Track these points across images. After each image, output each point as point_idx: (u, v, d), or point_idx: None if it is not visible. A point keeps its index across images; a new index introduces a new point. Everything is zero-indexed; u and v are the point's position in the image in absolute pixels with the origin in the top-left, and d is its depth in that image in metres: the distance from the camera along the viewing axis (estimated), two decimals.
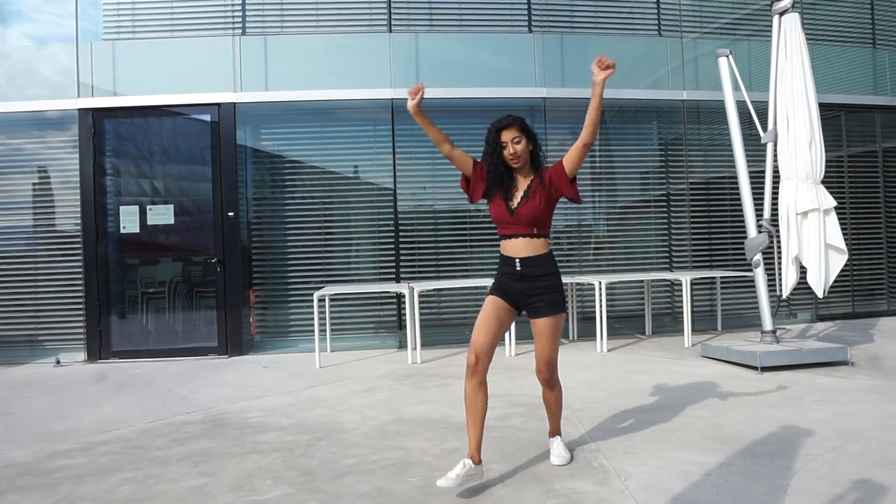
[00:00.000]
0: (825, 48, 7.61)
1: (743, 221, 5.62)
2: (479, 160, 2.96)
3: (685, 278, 6.12)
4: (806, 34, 5.38)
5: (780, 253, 5.36)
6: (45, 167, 6.66)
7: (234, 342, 6.45)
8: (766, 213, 5.49)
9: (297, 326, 6.74)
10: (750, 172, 5.62)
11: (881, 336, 6.44)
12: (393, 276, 6.81)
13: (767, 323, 5.42)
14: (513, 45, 7.04)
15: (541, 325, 2.89)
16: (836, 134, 7.82)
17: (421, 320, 5.90)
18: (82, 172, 6.44)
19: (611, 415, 3.85)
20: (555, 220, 7.25)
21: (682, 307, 6.26)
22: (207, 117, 6.59)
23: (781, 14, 5.38)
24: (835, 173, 7.64)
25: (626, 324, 7.19)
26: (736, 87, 5.65)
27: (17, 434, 3.89)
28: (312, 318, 5.73)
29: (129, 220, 6.51)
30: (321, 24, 6.88)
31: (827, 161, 5.35)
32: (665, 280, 7.05)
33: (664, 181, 7.40)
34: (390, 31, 6.85)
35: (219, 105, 6.55)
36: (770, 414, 3.75)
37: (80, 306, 6.44)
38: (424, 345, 6.12)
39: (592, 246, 7.36)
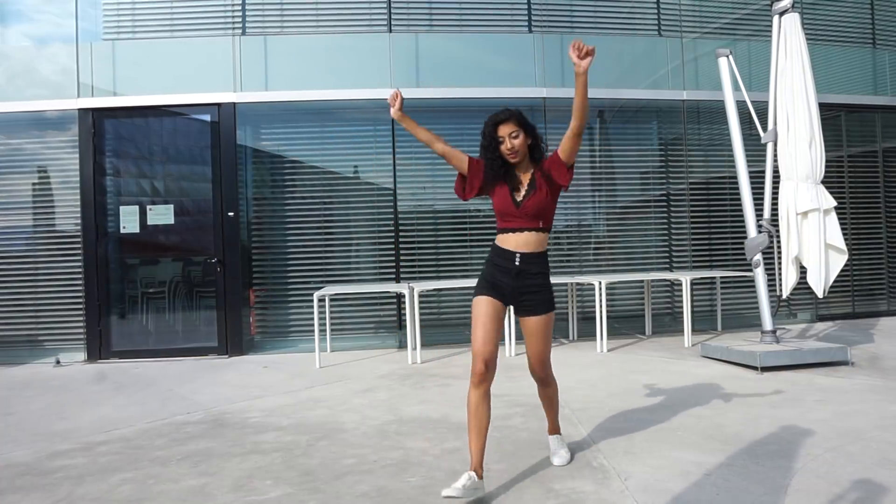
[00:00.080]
0: (825, 48, 7.61)
1: (743, 221, 5.62)
2: (474, 157, 2.90)
3: (685, 278, 6.12)
4: (806, 34, 5.38)
5: (780, 253, 5.36)
6: (45, 167, 6.66)
7: (234, 342, 6.45)
8: (766, 213, 5.49)
9: (297, 326, 6.74)
10: (750, 172, 5.62)
11: (881, 336, 6.44)
12: (393, 276, 6.81)
13: (767, 323, 5.42)
14: (513, 45, 7.04)
15: (533, 324, 2.84)
16: (836, 134, 7.82)
17: (421, 320, 5.90)
18: (82, 172, 6.44)
19: (611, 415, 3.85)
20: (555, 219, 7.29)
21: (682, 307, 6.25)
22: (207, 117, 6.59)
23: (781, 14, 5.38)
24: (835, 173, 7.64)
25: (626, 324, 7.19)
26: (736, 87, 5.65)
27: (17, 434, 3.89)
28: (312, 318, 5.73)
29: (129, 220, 6.51)
30: (321, 24, 6.88)
31: (827, 161, 5.35)
32: (665, 280, 7.05)
33: (664, 181, 7.40)
34: (390, 31, 6.85)
35: (219, 105, 6.55)
36: (770, 414, 3.75)
37: (80, 306, 6.44)
38: (424, 345, 6.12)
39: (592, 246, 7.35)
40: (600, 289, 5.91)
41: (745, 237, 5.59)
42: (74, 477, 3.09)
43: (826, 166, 5.29)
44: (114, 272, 6.54)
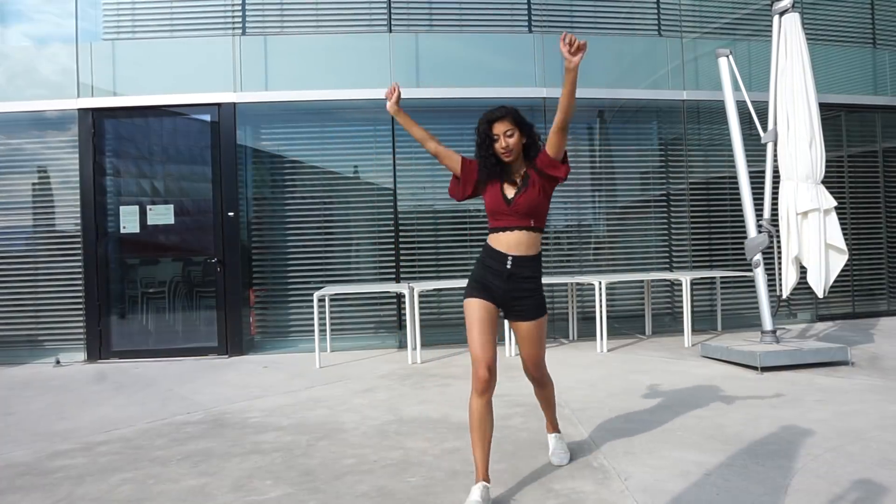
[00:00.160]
0: (825, 48, 7.61)
1: (743, 221, 5.62)
2: (467, 158, 2.85)
3: (685, 278, 6.12)
4: (806, 34, 5.38)
5: (780, 253, 5.36)
6: (45, 167, 6.66)
7: (234, 342, 6.45)
8: (766, 213, 5.49)
9: (297, 326, 6.74)
10: (750, 172, 5.62)
11: (881, 336, 6.44)
12: (393, 276, 6.81)
13: (767, 323, 5.42)
14: (513, 45, 7.04)
15: (526, 329, 2.78)
16: (836, 134, 7.82)
17: (421, 320, 5.90)
18: (82, 172, 6.44)
19: (611, 415, 3.85)
20: (555, 220, 7.32)
21: (682, 307, 6.25)
22: (207, 117, 6.59)
23: (781, 14, 5.38)
24: (835, 173, 7.64)
25: (626, 324, 7.19)
26: (736, 87, 5.65)
27: (17, 434, 3.89)
28: (312, 318, 5.73)
29: (129, 220, 6.51)
30: (321, 24, 6.88)
31: (827, 161, 5.35)
32: (665, 280, 7.05)
33: (664, 181, 7.40)
34: (390, 31, 6.85)
35: (219, 105, 6.55)
36: (770, 414, 3.75)
37: (80, 306, 6.44)
38: (424, 345, 6.12)
39: (592, 246, 7.35)
40: (600, 289, 5.91)
41: (745, 237, 5.59)
42: (74, 477, 3.09)
43: (826, 166, 5.29)
44: (114, 272, 6.54)
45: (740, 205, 5.64)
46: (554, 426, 3.12)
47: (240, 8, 6.74)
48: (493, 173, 2.73)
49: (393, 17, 6.88)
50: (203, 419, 4.08)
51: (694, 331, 6.32)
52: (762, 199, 5.55)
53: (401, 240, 6.85)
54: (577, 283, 6.74)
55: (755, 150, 5.89)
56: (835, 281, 5.24)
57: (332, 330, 6.48)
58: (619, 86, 7.15)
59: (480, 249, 2.83)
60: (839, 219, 5.29)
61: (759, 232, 5.47)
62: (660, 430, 3.52)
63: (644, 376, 4.88)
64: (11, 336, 6.48)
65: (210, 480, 2.99)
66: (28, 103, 6.52)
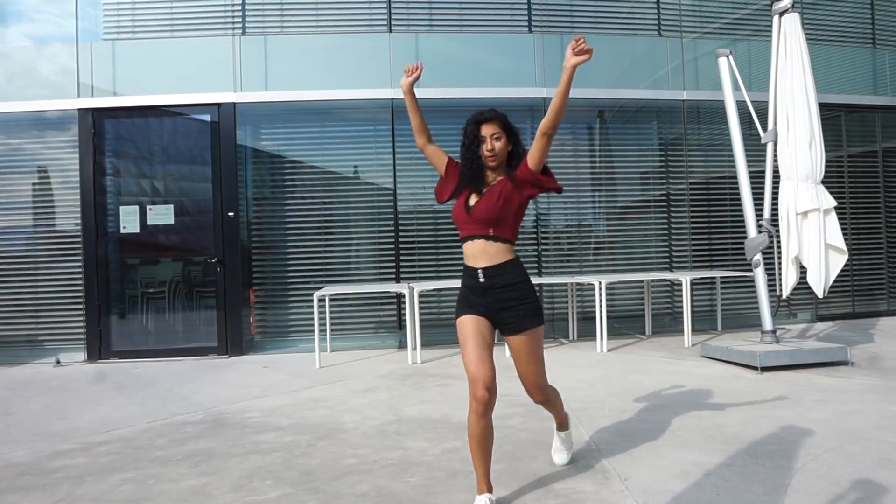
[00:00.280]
0: (825, 48, 7.61)
1: (743, 221, 5.62)
2: (454, 160, 2.77)
3: (685, 278, 6.12)
4: (806, 34, 5.38)
5: (780, 253, 5.36)
6: (45, 167, 6.66)
7: (234, 342, 6.45)
8: (766, 213, 5.49)
9: (297, 326, 6.74)
10: (750, 172, 5.62)
11: (881, 336, 6.44)
12: (393, 276, 6.81)
13: (767, 323, 5.42)
14: (513, 45, 7.04)
15: (516, 343, 2.60)
16: (836, 134, 7.82)
17: (421, 320, 5.90)
18: (82, 172, 6.44)
19: (611, 415, 3.85)
20: (555, 219, 7.31)
21: (682, 307, 6.25)
22: (207, 117, 6.59)
23: (781, 14, 5.38)
24: (835, 173, 7.64)
25: (626, 324, 7.19)
26: (736, 87, 5.65)
27: (17, 434, 3.89)
28: (312, 318, 5.73)
29: (129, 220, 6.51)
30: (321, 24, 6.88)
31: (827, 161, 5.35)
32: (665, 280, 7.05)
33: (664, 181, 7.40)
34: (390, 31, 6.85)
35: (219, 105, 6.55)
36: (770, 414, 3.75)
37: (80, 306, 6.44)
38: (424, 345, 6.12)
39: (592, 246, 7.35)
40: (600, 289, 5.91)
41: (745, 237, 5.59)
42: (74, 477, 3.09)
43: (826, 166, 5.29)
44: (114, 272, 6.54)
45: (740, 205, 5.64)
46: (562, 424, 2.98)
47: (240, 8, 6.74)
48: (473, 177, 2.61)
49: (393, 17, 6.88)
50: (203, 419, 4.08)
51: (694, 331, 6.32)
52: (762, 199, 5.56)
53: (401, 240, 6.85)
54: (577, 283, 6.74)
55: (755, 150, 5.89)
56: (835, 281, 5.24)
57: (332, 330, 6.48)
58: (619, 86, 7.15)
59: None
60: (839, 219, 5.29)
61: (759, 232, 5.48)
62: (660, 430, 3.52)
63: (644, 376, 4.88)
64: (11, 336, 6.48)
65: (210, 480, 2.99)
66: (28, 103, 6.52)
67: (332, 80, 6.67)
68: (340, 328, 6.76)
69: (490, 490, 2.55)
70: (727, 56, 5.71)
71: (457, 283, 6.03)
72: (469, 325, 2.55)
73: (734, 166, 5.70)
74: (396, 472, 3.00)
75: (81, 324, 6.43)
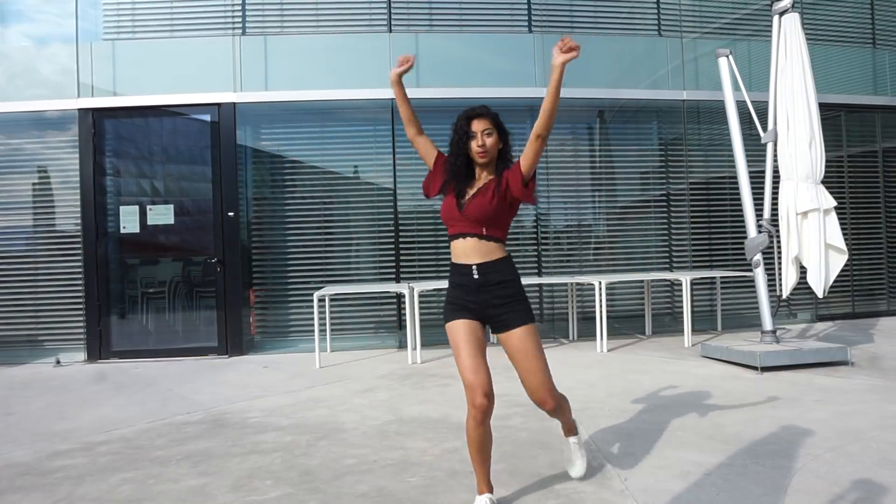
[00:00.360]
0: (825, 48, 7.61)
1: (743, 221, 5.62)
2: (444, 154, 2.70)
3: (685, 278, 6.12)
4: (806, 34, 5.38)
5: (780, 253, 5.36)
6: (45, 167, 6.66)
7: (234, 342, 6.45)
8: (766, 213, 5.49)
9: (297, 326, 6.74)
10: (750, 172, 5.62)
11: (881, 336, 6.44)
12: (393, 276, 6.81)
13: (767, 323, 5.42)
14: (513, 45, 7.04)
15: (516, 339, 2.50)
16: (836, 134, 7.82)
17: (421, 320, 5.90)
18: (82, 172, 6.44)
19: (611, 415, 3.85)
20: (555, 219, 7.30)
21: (682, 307, 6.25)
22: (207, 117, 6.59)
23: (781, 14, 5.38)
24: (835, 173, 7.64)
25: (626, 324, 7.19)
26: (736, 87, 5.65)
27: (17, 434, 3.89)
28: (312, 318, 5.73)
29: (129, 220, 6.51)
30: (321, 24, 6.88)
31: (827, 161, 5.35)
32: (665, 280, 7.05)
33: (664, 181, 7.40)
34: (390, 31, 6.85)
35: (219, 105, 6.55)
36: (770, 414, 3.75)
37: (80, 306, 6.44)
38: (424, 345, 6.11)
39: (592, 246, 7.35)
40: (600, 289, 5.91)
41: (745, 237, 5.59)
42: (74, 477, 3.09)
43: (826, 166, 5.29)
44: (114, 272, 6.54)
45: (740, 205, 5.64)
46: (570, 429, 2.81)
47: (240, 8, 6.74)
48: (460, 173, 2.56)
49: (393, 17, 6.88)
50: (203, 419, 4.08)
51: (694, 331, 6.32)
52: (762, 199, 5.55)
53: (401, 240, 6.85)
54: (577, 283, 6.74)
55: (755, 150, 5.89)
56: (835, 281, 5.24)
57: (332, 330, 6.48)
58: (619, 86, 7.16)
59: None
60: (839, 219, 5.29)
61: (759, 232, 5.48)
62: (660, 430, 3.52)
63: (644, 376, 4.88)
64: (11, 336, 6.48)
65: (210, 480, 2.99)
66: (28, 103, 6.52)
67: (332, 80, 6.67)
68: (340, 328, 6.76)
69: (490, 490, 2.54)
70: (727, 56, 5.71)
71: None
72: (461, 330, 2.49)
73: (734, 166, 5.70)
74: (396, 472, 3.00)
75: (81, 324, 6.43)
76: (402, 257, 6.83)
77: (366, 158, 7.03)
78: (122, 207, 6.52)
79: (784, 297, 5.43)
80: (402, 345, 6.45)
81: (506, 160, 2.60)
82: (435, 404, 4.25)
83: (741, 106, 5.59)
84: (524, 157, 2.52)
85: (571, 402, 4.10)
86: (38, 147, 6.65)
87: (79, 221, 6.46)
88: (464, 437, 2.90)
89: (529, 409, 3.97)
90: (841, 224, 5.34)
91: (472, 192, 2.54)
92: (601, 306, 5.93)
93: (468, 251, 2.53)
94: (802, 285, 5.41)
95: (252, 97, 6.61)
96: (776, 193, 5.38)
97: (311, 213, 6.83)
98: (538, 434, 3.47)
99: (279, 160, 6.94)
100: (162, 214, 6.53)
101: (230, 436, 3.69)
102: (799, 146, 5.19)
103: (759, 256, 5.45)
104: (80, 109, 6.47)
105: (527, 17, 7.06)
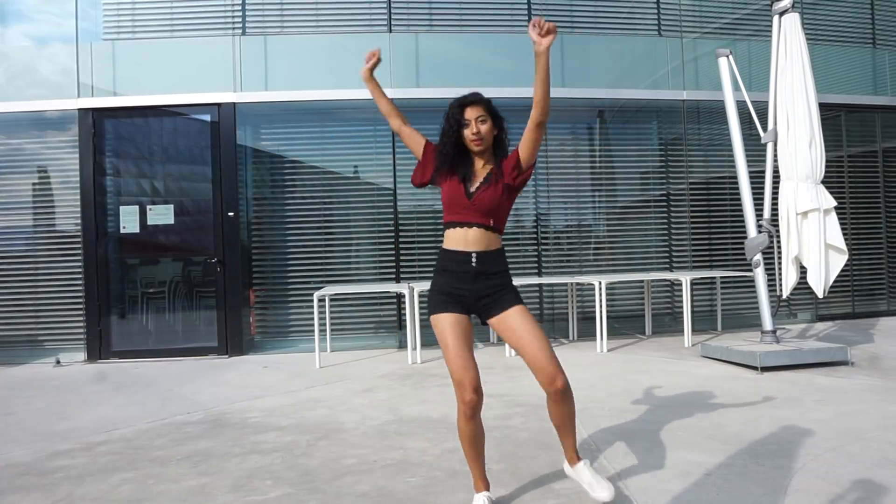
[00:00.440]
0: (825, 48, 7.61)
1: (743, 221, 5.62)
2: (432, 142, 2.67)
3: (685, 278, 6.12)
4: (806, 34, 5.38)
5: (780, 253, 5.36)
6: (45, 167, 6.66)
7: (234, 342, 6.45)
8: (766, 213, 5.49)
9: (297, 326, 6.74)
10: (750, 172, 5.62)
11: (881, 336, 6.44)
12: (393, 276, 6.81)
13: (767, 323, 5.42)
14: (513, 45, 7.04)
15: (512, 317, 2.46)
16: (836, 134, 7.82)
17: (421, 320, 5.90)
18: (82, 172, 6.44)
19: (611, 415, 3.85)
20: (555, 219, 7.29)
21: (682, 307, 6.25)
22: (207, 117, 6.59)
23: (781, 14, 5.38)
24: (835, 173, 7.64)
25: (626, 324, 7.19)
26: (736, 87, 5.65)
27: (17, 434, 3.89)
28: (312, 318, 5.73)
29: (129, 220, 6.51)
30: (321, 24, 6.88)
31: (827, 161, 5.35)
32: (665, 280, 7.05)
33: (664, 181, 7.40)
34: (390, 31, 6.85)
35: (219, 105, 6.55)
36: (770, 414, 3.75)
37: (80, 306, 6.44)
38: (424, 345, 6.11)
39: (592, 246, 7.36)
40: (600, 289, 5.91)
41: (745, 237, 5.59)
42: (74, 477, 3.09)
43: (826, 166, 5.29)
44: (114, 272, 6.54)
45: (740, 205, 5.64)
46: (575, 454, 2.65)
47: (240, 8, 6.74)
48: (453, 161, 2.51)
49: (393, 17, 6.88)
50: (203, 419, 4.08)
51: (694, 331, 6.32)
52: (762, 199, 5.55)
53: (401, 240, 6.85)
54: (577, 283, 6.74)
55: (755, 150, 5.88)
56: (835, 281, 5.24)
57: (332, 330, 6.48)
58: (619, 86, 7.16)
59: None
60: (839, 219, 5.29)
61: (759, 232, 5.47)
62: (660, 430, 3.52)
63: (644, 376, 4.88)
64: (11, 336, 6.48)
65: (210, 480, 2.99)
66: (28, 103, 6.52)
67: (332, 80, 6.66)
68: (340, 328, 6.76)
69: (487, 488, 2.55)
70: (727, 56, 5.71)
71: None
72: (448, 324, 2.44)
73: (734, 166, 5.69)
74: (396, 472, 3.00)
75: (81, 324, 6.43)
76: (402, 257, 6.83)
77: (366, 158, 7.03)
78: (122, 207, 6.52)
79: (784, 297, 5.43)
80: (402, 345, 6.45)
81: (503, 147, 2.56)
82: (435, 404, 4.25)
83: (741, 106, 5.59)
84: (524, 147, 2.49)
85: None
86: (38, 147, 6.65)
87: (79, 221, 6.46)
88: None
89: (529, 409, 3.97)
90: (841, 224, 5.34)
91: (478, 180, 2.50)
92: (601, 306, 5.93)
93: (470, 240, 2.47)
94: (802, 285, 5.41)
95: (252, 97, 6.61)
96: (776, 193, 5.38)
97: (311, 213, 6.83)
98: (538, 434, 3.47)
99: (279, 160, 6.94)
100: (162, 214, 6.53)
101: (230, 436, 3.69)
102: (799, 146, 5.19)
103: (759, 256, 5.45)
104: (80, 109, 6.47)
105: (527, 17, 7.06)
